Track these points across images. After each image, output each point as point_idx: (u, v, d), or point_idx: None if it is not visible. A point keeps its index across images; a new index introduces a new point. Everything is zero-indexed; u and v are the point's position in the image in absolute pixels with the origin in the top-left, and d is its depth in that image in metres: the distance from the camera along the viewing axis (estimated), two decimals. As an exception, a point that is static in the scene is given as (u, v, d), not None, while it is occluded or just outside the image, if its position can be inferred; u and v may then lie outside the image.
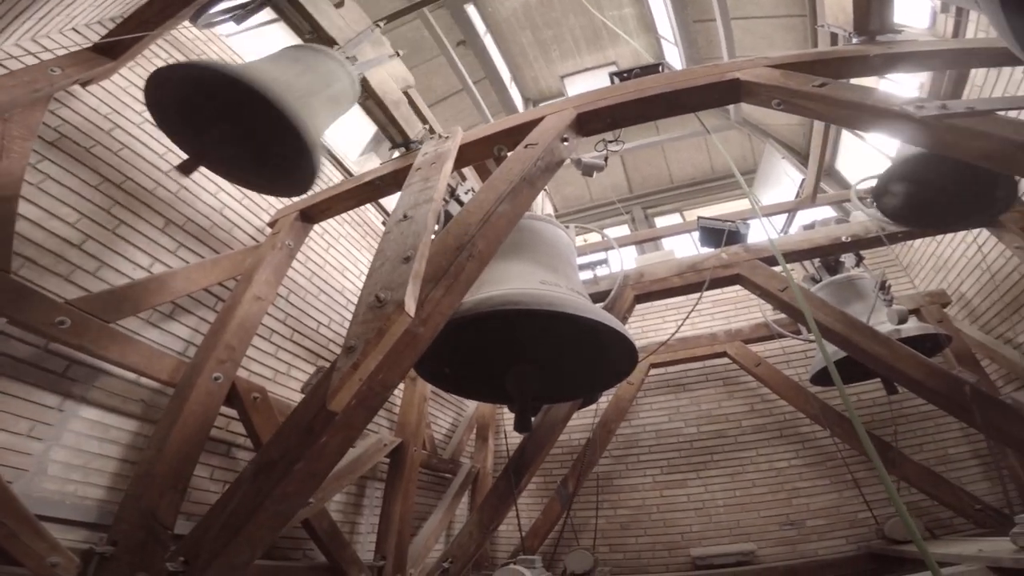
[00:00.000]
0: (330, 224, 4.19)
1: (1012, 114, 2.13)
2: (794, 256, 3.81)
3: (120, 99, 2.83)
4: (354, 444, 3.45)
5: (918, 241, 4.92)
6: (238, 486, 1.55)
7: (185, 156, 2.23)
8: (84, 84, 2.61)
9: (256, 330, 2.83)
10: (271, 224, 3.43)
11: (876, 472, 1.22)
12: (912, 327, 3.35)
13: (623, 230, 8.51)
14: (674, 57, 7.11)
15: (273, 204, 3.64)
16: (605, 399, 4.91)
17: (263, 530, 1.51)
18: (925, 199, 3.12)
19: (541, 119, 2.54)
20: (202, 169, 3.14)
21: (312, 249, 3.96)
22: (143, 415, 2.51)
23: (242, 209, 3.43)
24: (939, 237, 4.58)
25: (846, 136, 6.21)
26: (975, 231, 3.58)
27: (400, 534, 3.52)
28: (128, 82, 2.88)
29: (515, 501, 2.93)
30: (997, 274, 4.00)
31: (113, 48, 2.60)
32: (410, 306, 1.42)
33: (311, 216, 3.37)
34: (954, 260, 4.51)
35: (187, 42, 3.43)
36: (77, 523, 2.15)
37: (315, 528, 2.98)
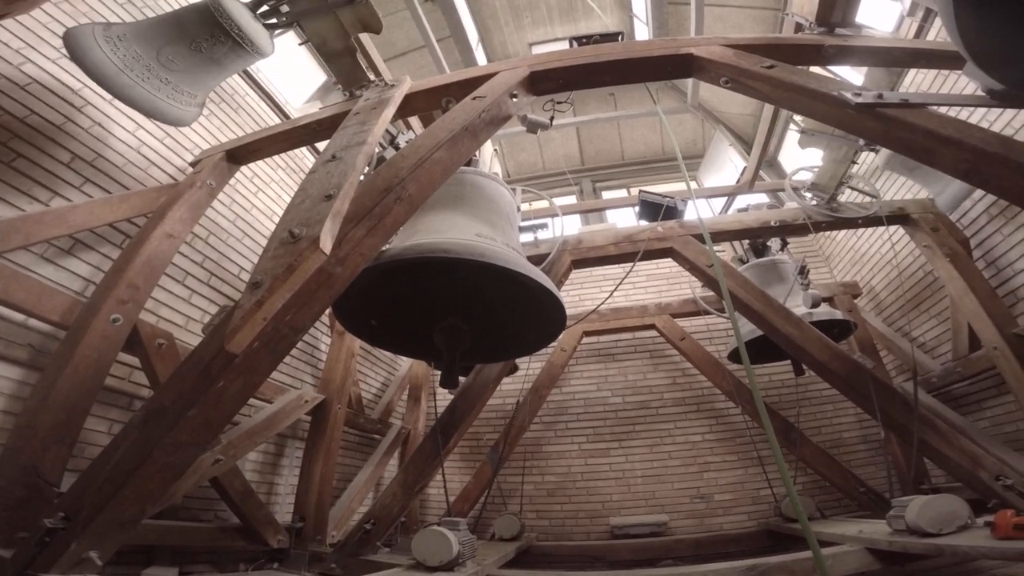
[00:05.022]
0: (261, 167, 3.91)
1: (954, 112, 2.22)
2: (725, 235, 3.95)
3: (38, 34, 2.56)
4: (272, 400, 3.32)
5: (840, 234, 5.24)
6: (125, 435, 1.42)
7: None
8: (-4, 18, 2.28)
9: (165, 269, 2.60)
10: (193, 164, 3.14)
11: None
12: (823, 312, 3.56)
13: (571, 200, 8.57)
14: (643, 37, 7.09)
15: (199, 144, 3.35)
16: (538, 364, 4.96)
17: (152, 483, 1.39)
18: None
19: (494, 74, 2.45)
20: (120, 104, 2.85)
21: (239, 192, 3.68)
22: (31, 362, 2.25)
23: (163, 148, 3.12)
24: (859, 232, 4.88)
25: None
26: (891, 228, 3.81)
27: (321, 495, 3.42)
28: (50, 17, 2.62)
29: (442, 462, 2.90)
30: (905, 271, 4.33)
31: (33, -18, 2.30)
32: (326, 243, 1.31)
33: (238, 157, 3.11)
34: (869, 254, 4.83)
35: (118, -22, 3.03)
36: (-50, 481, 1.92)
37: (226, 488, 2.83)
